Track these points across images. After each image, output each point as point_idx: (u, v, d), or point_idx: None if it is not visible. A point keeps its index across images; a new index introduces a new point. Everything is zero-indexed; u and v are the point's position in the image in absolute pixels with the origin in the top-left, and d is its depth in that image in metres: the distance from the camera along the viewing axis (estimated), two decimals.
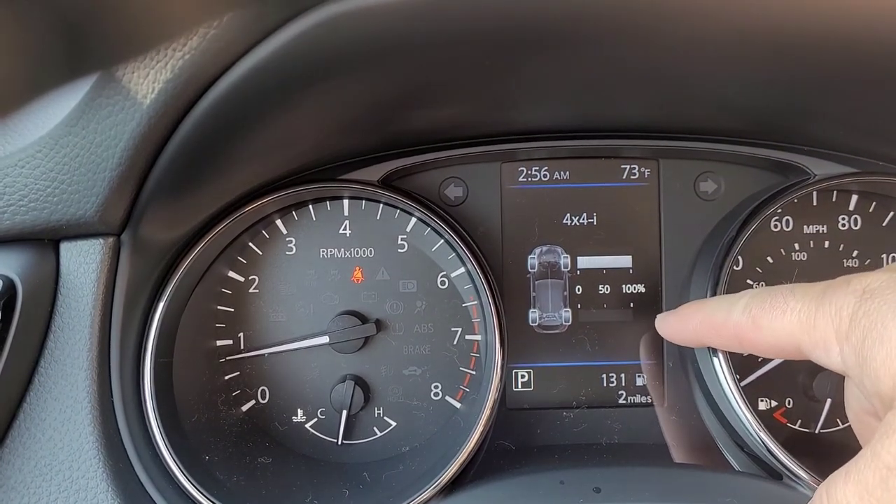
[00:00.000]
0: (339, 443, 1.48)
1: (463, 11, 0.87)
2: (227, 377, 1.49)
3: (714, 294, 1.37)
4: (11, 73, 0.43)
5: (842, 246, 1.52)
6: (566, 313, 1.53)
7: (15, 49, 0.42)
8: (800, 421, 1.52)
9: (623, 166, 1.54)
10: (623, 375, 1.54)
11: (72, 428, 1.13)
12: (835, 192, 1.52)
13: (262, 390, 1.50)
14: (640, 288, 1.54)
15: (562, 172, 1.54)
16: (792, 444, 1.32)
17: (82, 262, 1.15)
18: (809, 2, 0.85)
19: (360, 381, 1.48)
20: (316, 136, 1.29)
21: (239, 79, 0.93)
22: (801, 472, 1.26)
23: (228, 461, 1.37)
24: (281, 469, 1.43)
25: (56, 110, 1.05)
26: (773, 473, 1.32)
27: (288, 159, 1.35)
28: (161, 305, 1.30)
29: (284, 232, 1.50)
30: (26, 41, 0.42)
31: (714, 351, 1.35)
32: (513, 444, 1.52)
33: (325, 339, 1.46)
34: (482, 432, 1.32)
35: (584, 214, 1.54)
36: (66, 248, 1.16)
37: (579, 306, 1.54)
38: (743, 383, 1.45)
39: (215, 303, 1.48)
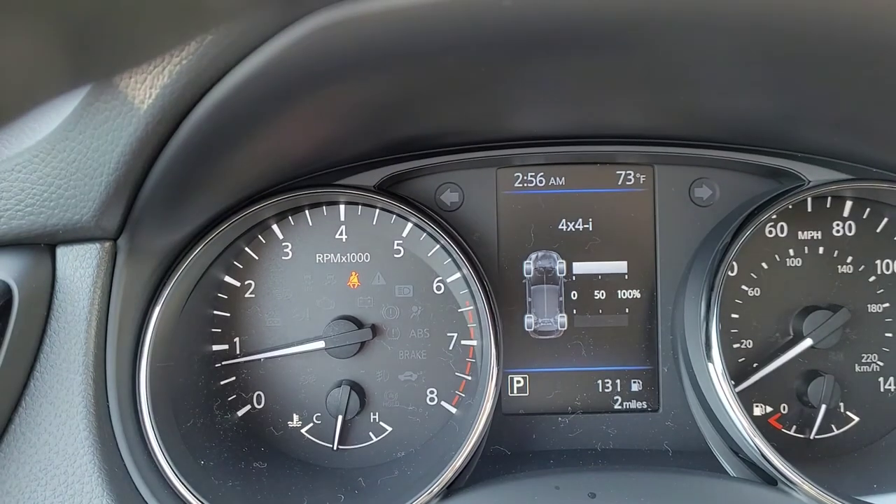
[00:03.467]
0: (335, 448, 1.48)
1: (462, 18, 0.87)
2: (222, 382, 1.49)
3: (709, 300, 1.37)
4: (11, 83, 0.44)
5: (836, 252, 1.52)
6: (562, 319, 1.54)
7: (16, 60, 0.42)
8: (794, 427, 1.52)
9: (618, 172, 1.55)
10: (618, 381, 1.54)
11: (67, 432, 1.13)
12: (829, 199, 1.53)
13: (258, 395, 1.50)
14: (636, 293, 1.55)
15: (557, 178, 1.55)
16: (787, 449, 1.32)
17: (79, 267, 1.15)
18: (810, 4, 0.85)
19: (355, 387, 1.48)
20: (312, 142, 1.29)
21: (236, 84, 0.93)
22: (796, 478, 1.26)
23: (224, 466, 1.37)
24: (276, 474, 1.42)
25: (53, 115, 1.05)
26: (768, 479, 1.33)
27: (284, 165, 1.35)
28: (157, 310, 1.30)
29: (281, 237, 1.50)
30: (27, 53, 0.43)
31: (709, 356, 1.35)
32: (508, 449, 1.52)
33: (320, 344, 1.46)
34: (478, 437, 1.32)
35: (580, 220, 1.55)
36: (62, 252, 1.16)
37: (575, 312, 1.54)
38: (738, 389, 1.46)
39: (211, 307, 1.48)
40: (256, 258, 1.50)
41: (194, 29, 0.73)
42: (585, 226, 1.55)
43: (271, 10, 0.83)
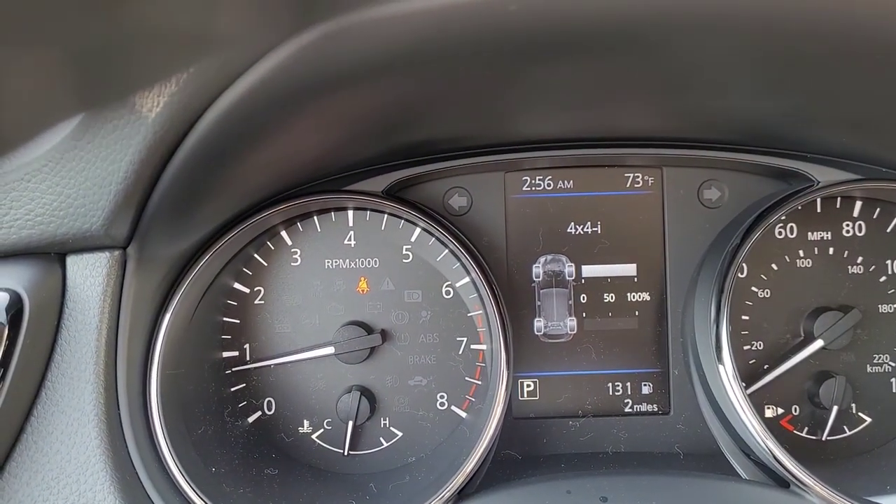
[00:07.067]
0: (346, 453, 1.48)
1: (469, 23, 0.87)
2: (233, 389, 1.49)
3: (719, 301, 1.37)
4: (22, 111, 0.44)
5: (846, 252, 1.52)
6: (571, 322, 1.53)
7: (25, 89, 0.43)
8: (806, 428, 1.52)
9: (627, 175, 1.54)
10: (629, 384, 1.54)
11: (79, 441, 1.13)
12: (839, 199, 1.52)
13: (269, 401, 1.51)
14: (645, 296, 1.54)
15: (566, 181, 1.55)
16: (798, 451, 1.32)
17: (89, 276, 1.16)
18: (822, 5, 0.85)
19: (365, 392, 1.48)
20: (320, 148, 1.30)
21: (244, 91, 0.93)
22: (809, 480, 1.26)
23: (235, 473, 1.37)
24: (287, 480, 1.42)
25: (61, 124, 1.05)
26: (780, 481, 1.32)
27: (292, 171, 1.35)
28: (167, 317, 1.30)
29: (289, 243, 1.51)
30: (36, 82, 0.43)
31: (720, 358, 1.35)
32: (519, 453, 1.52)
33: (330, 350, 1.46)
34: (488, 442, 1.32)
35: (589, 223, 1.54)
36: (72, 261, 1.16)
37: (584, 315, 1.54)
38: (749, 391, 1.45)
39: (221, 314, 1.49)
40: (265, 265, 1.51)
41: (201, 55, 0.73)
42: (594, 229, 1.55)
43: (280, 23, 0.83)
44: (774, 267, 1.52)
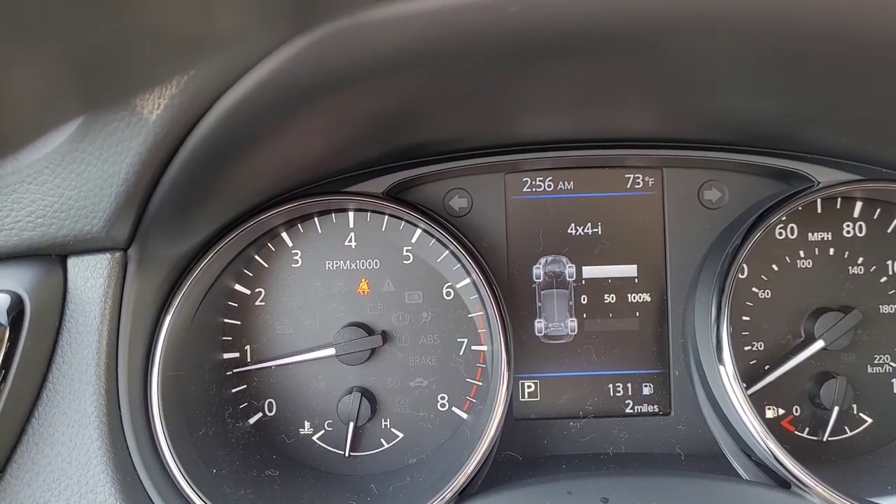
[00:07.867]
0: (347, 455, 1.48)
1: (469, 25, 0.87)
2: (233, 390, 1.49)
3: (719, 302, 1.37)
4: (23, 114, 0.44)
5: (847, 253, 1.52)
6: (572, 323, 1.54)
7: (27, 91, 0.43)
8: (807, 429, 1.52)
9: (627, 176, 1.54)
10: (629, 385, 1.54)
11: (80, 442, 1.13)
12: (839, 200, 1.52)
13: (269, 403, 1.51)
14: (646, 297, 1.54)
15: (566, 182, 1.55)
16: (799, 451, 1.32)
17: (90, 278, 1.16)
18: (822, 6, 0.85)
19: (366, 393, 1.48)
20: (321, 150, 1.30)
21: (245, 93, 0.93)
22: (810, 481, 1.26)
23: (236, 474, 1.37)
24: (288, 482, 1.42)
25: (62, 126, 1.05)
26: (781, 482, 1.32)
27: (293, 173, 1.35)
28: (168, 319, 1.30)
29: (290, 244, 1.51)
30: (38, 84, 0.43)
31: (720, 358, 1.35)
32: (520, 454, 1.52)
33: (331, 351, 1.46)
34: (489, 443, 1.32)
35: (589, 224, 1.54)
36: (73, 263, 1.16)
37: (585, 316, 1.54)
38: (750, 391, 1.45)
39: (222, 316, 1.49)
40: (266, 266, 1.51)
41: (201, 56, 0.73)
42: (595, 230, 1.55)
43: (280, 25, 0.83)
44: (775, 267, 1.52)
